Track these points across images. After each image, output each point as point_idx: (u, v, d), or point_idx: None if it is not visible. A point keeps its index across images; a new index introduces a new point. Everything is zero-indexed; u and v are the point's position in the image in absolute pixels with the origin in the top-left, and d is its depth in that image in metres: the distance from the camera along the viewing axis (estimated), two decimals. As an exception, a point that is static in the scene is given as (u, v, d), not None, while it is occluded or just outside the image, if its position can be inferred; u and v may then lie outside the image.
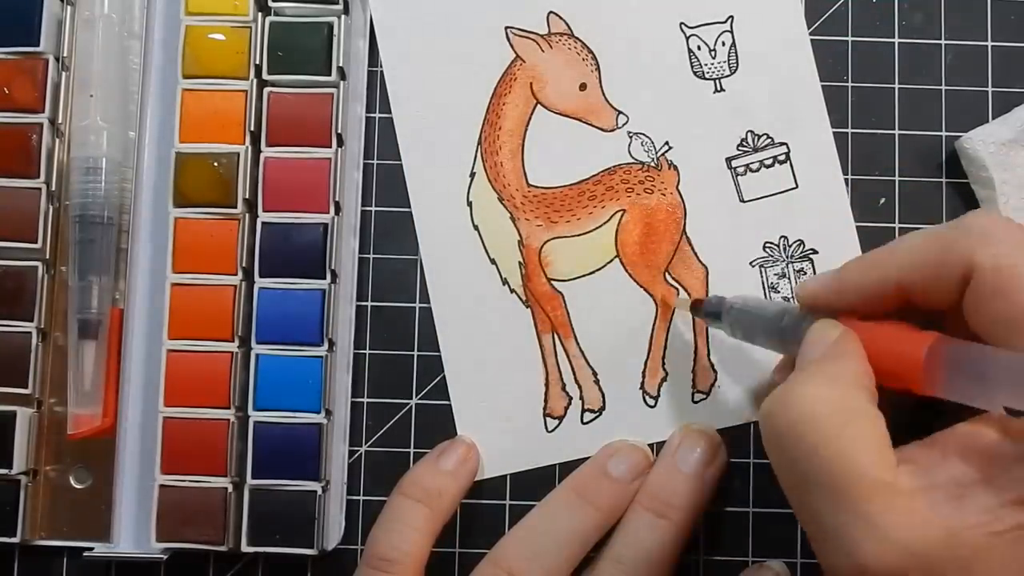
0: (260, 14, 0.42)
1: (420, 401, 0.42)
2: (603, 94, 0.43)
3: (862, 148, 0.43)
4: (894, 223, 0.42)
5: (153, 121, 0.42)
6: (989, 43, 0.43)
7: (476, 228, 0.42)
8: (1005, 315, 0.27)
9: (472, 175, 0.43)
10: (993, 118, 0.43)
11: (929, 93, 0.43)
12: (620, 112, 0.43)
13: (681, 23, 0.43)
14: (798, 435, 0.27)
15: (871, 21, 0.44)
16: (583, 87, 0.43)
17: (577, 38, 0.43)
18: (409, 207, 0.43)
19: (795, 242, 0.42)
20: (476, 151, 0.43)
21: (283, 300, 0.41)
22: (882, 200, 0.43)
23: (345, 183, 0.42)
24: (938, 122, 0.43)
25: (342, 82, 0.42)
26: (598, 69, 0.43)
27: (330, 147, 0.41)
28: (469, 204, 0.43)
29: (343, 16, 0.42)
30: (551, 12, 0.43)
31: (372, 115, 0.43)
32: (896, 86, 0.43)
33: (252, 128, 0.41)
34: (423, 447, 0.42)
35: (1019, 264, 0.27)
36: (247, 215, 0.41)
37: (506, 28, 0.43)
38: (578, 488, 0.39)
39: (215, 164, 0.41)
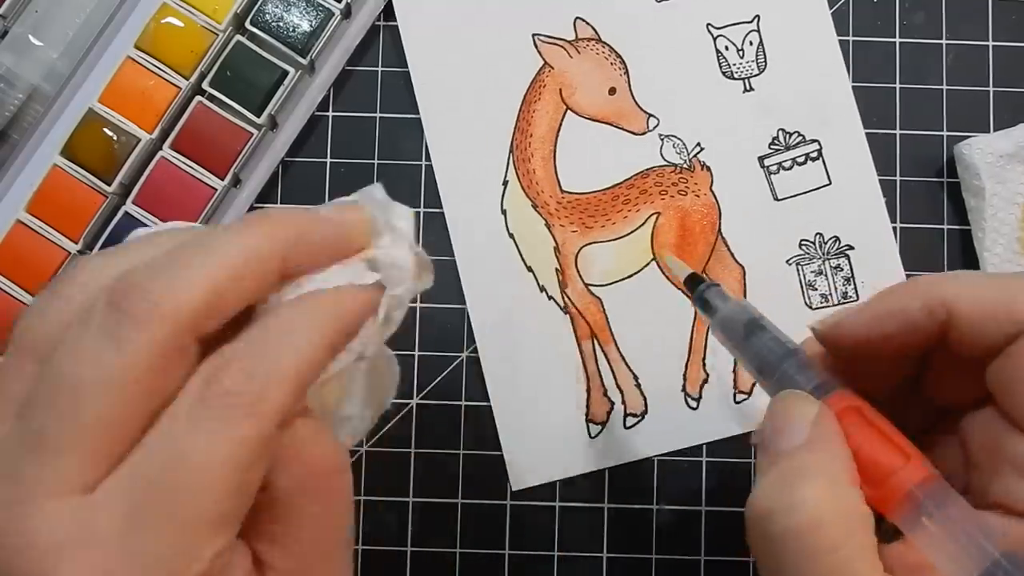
0: (231, 29, 0.41)
1: (421, 401, 0.42)
2: (633, 97, 0.43)
3: (863, 148, 0.43)
4: (895, 223, 0.43)
5: (87, 68, 0.42)
6: (990, 43, 0.44)
7: (511, 236, 0.42)
8: None
9: (505, 183, 0.42)
10: (994, 118, 0.43)
11: (930, 93, 0.44)
12: (651, 115, 0.43)
13: (708, 24, 0.43)
14: (800, 542, 0.25)
15: (872, 21, 0.44)
16: (612, 91, 0.43)
17: (605, 43, 0.43)
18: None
19: (831, 239, 0.42)
20: (508, 159, 0.43)
21: None
22: (883, 200, 0.43)
23: (221, 219, 0.42)
24: (939, 122, 0.43)
25: (269, 130, 0.42)
26: (627, 73, 0.43)
27: (222, 180, 0.41)
28: (503, 212, 0.42)
29: (305, 75, 0.42)
30: (578, 18, 0.43)
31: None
32: (897, 86, 0.44)
33: (165, 124, 0.41)
34: (423, 448, 0.42)
35: None
36: (116, 198, 0.41)
37: (533, 35, 0.43)
38: None
39: (114, 138, 0.41)
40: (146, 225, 0.41)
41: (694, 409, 0.42)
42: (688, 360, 0.42)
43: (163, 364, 0.21)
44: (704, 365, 0.42)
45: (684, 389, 0.42)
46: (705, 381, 0.42)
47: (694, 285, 0.34)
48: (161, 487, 0.20)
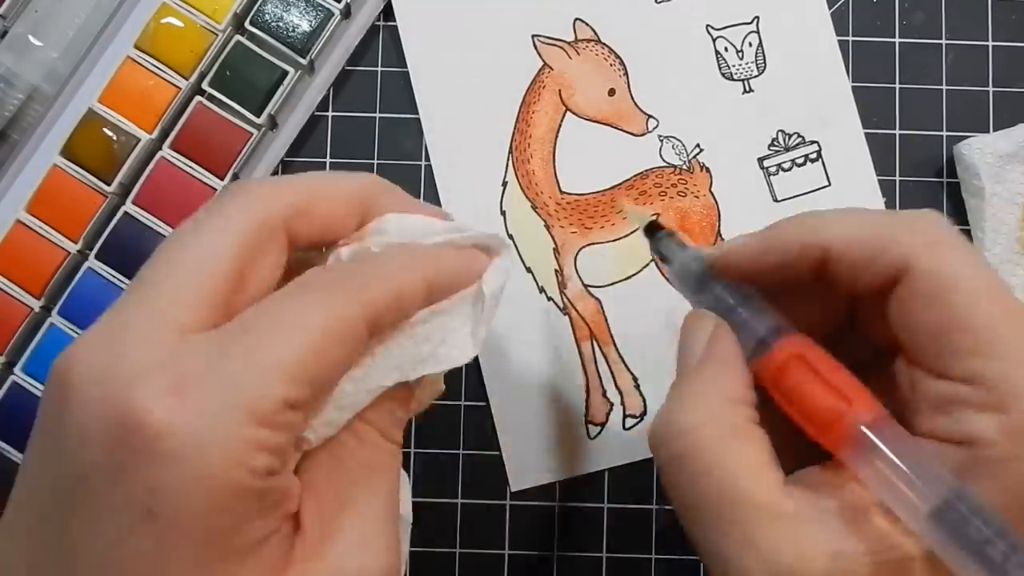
0: (231, 29, 0.41)
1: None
2: (632, 99, 0.43)
3: (863, 148, 0.43)
4: (895, 222, 0.43)
5: (87, 68, 0.42)
6: (990, 43, 0.44)
7: (511, 237, 0.42)
8: (935, 326, 0.25)
9: (504, 184, 0.42)
10: (993, 118, 0.43)
11: (929, 93, 0.44)
12: (650, 116, 0.43)
13: (707, 25, 0.43)
14: (680, 467, 0.26)
15: (872, 21, 0.44)
16: (612, 92, 0.43)
17: (604, 44, 0.43)
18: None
19: (830, 240, 0.42)
20: (507, 160, 0.43)
21: (103, 290, 0.41)
22: (883, 200, 0.43)
23: None
24: (939, 122, 0.43)
25: (268, 130, 0.42)
26: (626, 74, 0.43)
27: (222, 180, 0.41)
28: (503, 213, 0.42)
29: (305, 75, 0.42)
30: (577, 19, 0.43)
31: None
32: (897, 86, 0.44)
33: (165, 124, 0.41)
34: (423, 448, 0.42)
35: (960, 274, 0.25)
36: (116, 198, 0.41)
37: (533, 36, 0.43)
38: None
39: (114, 138, 0.41)
40: (146, 226, 0.41)
41: (693, 410, 0.42)
42: (687, 361, 0.42)
43: (254, 240, 0.25)
44: (703, 366, 0.42)
45: (683, 390, 0.42)
46: (704, 382, 0.42)
47: (651, 233, 0.33)
48: (252, 332, 0.22)
